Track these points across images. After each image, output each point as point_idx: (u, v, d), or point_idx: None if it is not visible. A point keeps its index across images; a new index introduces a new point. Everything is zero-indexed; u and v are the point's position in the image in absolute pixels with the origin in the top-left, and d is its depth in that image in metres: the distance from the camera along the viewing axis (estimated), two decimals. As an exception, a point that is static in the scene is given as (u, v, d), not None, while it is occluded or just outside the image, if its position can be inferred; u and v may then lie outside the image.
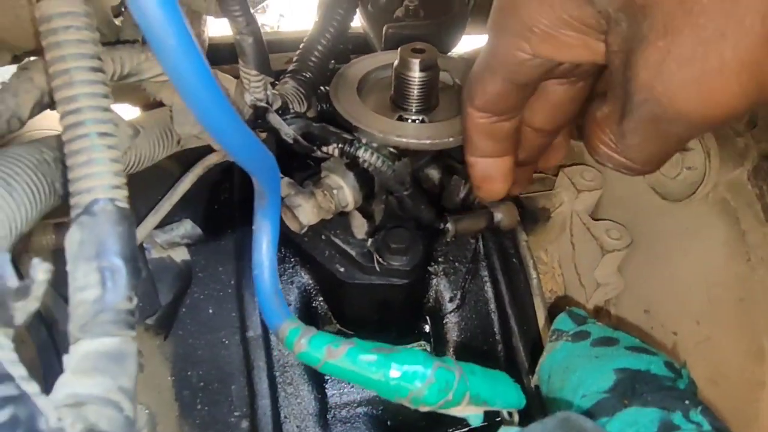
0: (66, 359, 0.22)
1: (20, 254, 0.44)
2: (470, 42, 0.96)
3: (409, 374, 0.28)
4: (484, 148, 0.43)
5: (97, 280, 0.24)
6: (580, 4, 0.29)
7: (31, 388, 0.18)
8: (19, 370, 0.19)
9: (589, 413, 0.33)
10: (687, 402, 0.32)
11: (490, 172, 0.44)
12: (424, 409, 0.29)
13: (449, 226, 0.51)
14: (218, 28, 0.65)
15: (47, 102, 0.37)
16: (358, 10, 0.87)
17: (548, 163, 0.48)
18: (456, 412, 0.29)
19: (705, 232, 0.63)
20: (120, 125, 0.44)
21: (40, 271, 0.19)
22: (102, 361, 0.22)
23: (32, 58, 0.38)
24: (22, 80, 0.35)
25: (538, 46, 0.32)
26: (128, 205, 0.26)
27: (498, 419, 0.31)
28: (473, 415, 0.29)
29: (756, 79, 0.23)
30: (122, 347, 0.23)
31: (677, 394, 0.33)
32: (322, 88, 0.61)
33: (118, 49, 0.39)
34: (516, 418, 0.33)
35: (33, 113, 0.36)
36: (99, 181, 0.25)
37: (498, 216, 0.53)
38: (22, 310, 0.19)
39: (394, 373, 0.28)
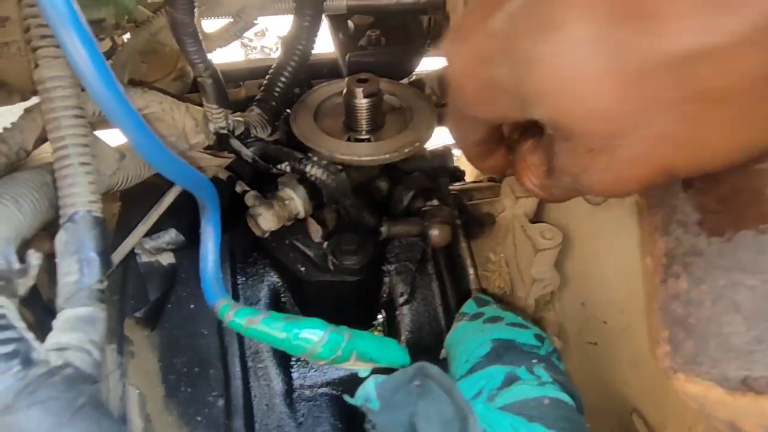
0: (54, 322, 0.32)
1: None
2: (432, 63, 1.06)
3: (307, 335, 0.37)
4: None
5: (77, 268, 0.33)
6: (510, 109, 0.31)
7: (29, 335, 0.28)
8: (20, 324, 0.28)
9: (468, 373, 0.42)
10: (534, 360, 0.41)
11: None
12: (321, 363, 0.38)
13: (383, 229, 0.61)
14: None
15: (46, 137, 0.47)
16: (330, 36, 0.97)
17: None
18: (347, 366, 0.38)
19: (623, 231, 0.71)
20: (107, 151, 0.54)
21: (34, 257, 0.29)
22: (79, 322, 0.31)
23: (35, 101, 0.48)
24: (27, 120, 0.45)
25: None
26: (101, 214, 0.36)
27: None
28: (362, 369, 0.39)
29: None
30: (94, 314, 0.32)
31: (531, 356, 0.42)
32: (288, 110, 0.71)
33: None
34: None
35: (36, 145, 0.46)
36: (80, 198, 0.35)
37: (434, 232, 0.62)
38: (23, 285, 0.29)
39: (296, 334, 0.37)
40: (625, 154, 0.28)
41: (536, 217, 0.83)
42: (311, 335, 0.37)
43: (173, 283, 0.70)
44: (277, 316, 0.38)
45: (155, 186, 0.72)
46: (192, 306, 0.69)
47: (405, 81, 0.88)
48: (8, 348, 0.26)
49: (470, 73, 0.31)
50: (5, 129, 0.45)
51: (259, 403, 0.66)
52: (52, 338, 0.30)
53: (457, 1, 0.74)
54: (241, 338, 0.67)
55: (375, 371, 0.38)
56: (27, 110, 0.46)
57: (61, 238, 0.34)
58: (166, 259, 0.71)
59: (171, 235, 0.70)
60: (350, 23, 0.93)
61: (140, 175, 0.62)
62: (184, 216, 0.74)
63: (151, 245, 0.69)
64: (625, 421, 0.74)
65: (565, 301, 0.84)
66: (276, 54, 2.59)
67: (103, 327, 0.32)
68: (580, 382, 0.82)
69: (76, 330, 0.31)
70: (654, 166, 0.29)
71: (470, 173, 1.05)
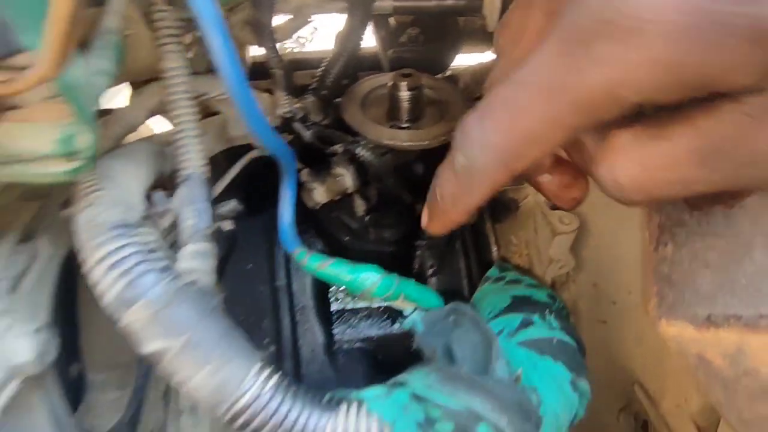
0: (179, 254, 0.42)
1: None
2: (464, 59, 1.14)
3: (366, 278, 0.47)
4: None
5: (193, 215, 0.43)
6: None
7: (171, 256, 0.38)
8: (165, 249, 0.38)
9: (490, 320, 0.51)
10: (547, 311, 0.49)
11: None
12: (375, 300, 0.47)
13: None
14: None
15: (151, 114, 0.57)
16: (372, 33, 1.06)
17: None
18: (396, 304, 0.48)
19: (635, 221, 0.79)
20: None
21: (169, 203, 0.39)
22: (198, 255, 0.41)
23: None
24: (137, 101, 0.55)
25: None
26: (209, 175, 0.46)
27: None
28: (407, 309, 0.48)
29: None
30: (206, 249, 0.42)
31: (544, 308, 0.50)
32: (337, 100, 0.80)
33: (197, 79, 0.59)
34: None
35: (142, 122, 0.56)
36: (194, 162, 0.45)
37: None
38: (162, 223, 0.39)
39: (357, 276, 0.46)
40: None
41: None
42: (369, 277, 0.47)
43: (233, 246, 0.80)
44: (342, 262, 0.48)
45: (220, 162, 0.83)
46: (249, 266, 0.79)
47: (441, 76, 0.96)
48: (163, 264, 0.36)
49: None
50: (120, 108, 0.55)
51: (304, 351, 0.76)
52: (182, 264, 0.40)
53: (494, 4, 0.82)
54: (290, 295, 0.77)
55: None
56: (136, 93, 0.56)
57: (181, 192, 0.44)
58: (228, 225, 0.81)
59: (232, 205, 0.80)
60: (391, 21, 1.02)
61: (212, 150, 0.73)
62: (244, 188, 0.84)
63: (215, 212, 0.79)
64: (627, 391, 0.82)
65: (579, 282, 0.91)
66: (310, 44, 2.71)
67: (213, 259, 0.42)
68: (589, 356, 0.91)
69: (197, 259, 0.41)
70: None
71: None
